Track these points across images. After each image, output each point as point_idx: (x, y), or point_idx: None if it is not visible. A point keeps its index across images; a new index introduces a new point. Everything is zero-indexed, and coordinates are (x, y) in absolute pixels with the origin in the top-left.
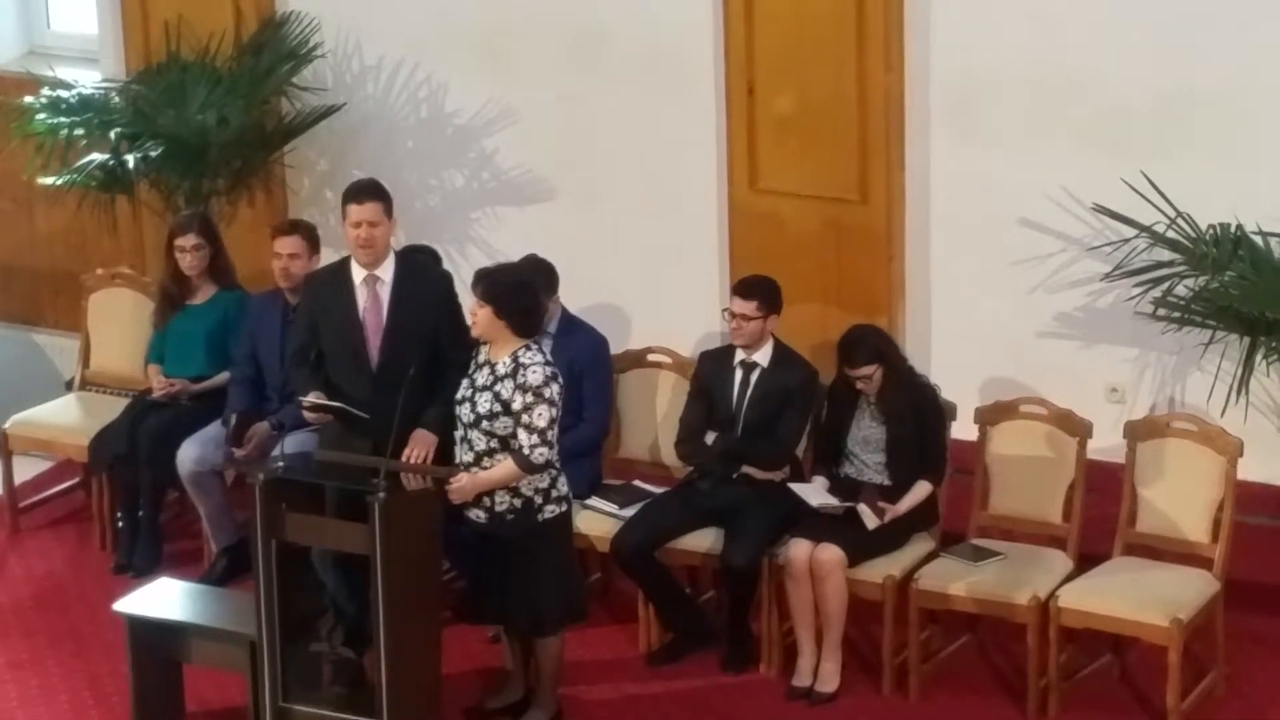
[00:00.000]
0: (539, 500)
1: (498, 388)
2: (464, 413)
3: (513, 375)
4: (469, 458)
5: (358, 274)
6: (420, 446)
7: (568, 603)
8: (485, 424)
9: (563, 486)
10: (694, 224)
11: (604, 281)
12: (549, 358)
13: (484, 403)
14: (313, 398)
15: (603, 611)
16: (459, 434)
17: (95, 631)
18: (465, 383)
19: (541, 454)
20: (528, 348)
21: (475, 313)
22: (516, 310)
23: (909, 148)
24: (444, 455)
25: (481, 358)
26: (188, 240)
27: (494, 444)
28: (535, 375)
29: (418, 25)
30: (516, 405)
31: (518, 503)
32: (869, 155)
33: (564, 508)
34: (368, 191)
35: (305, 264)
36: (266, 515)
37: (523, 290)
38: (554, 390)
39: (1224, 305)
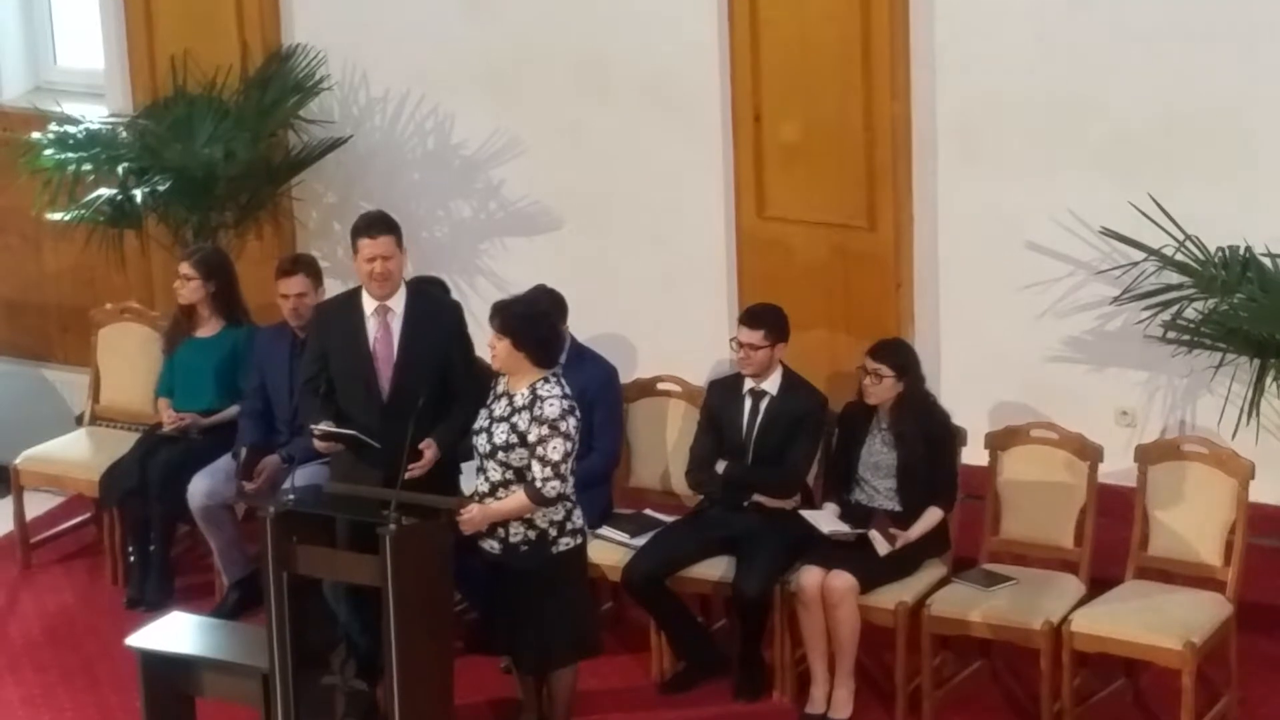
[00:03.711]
0: (554, 533)
1: (515, 419)
2: (481, 443)
3: (530, 407)
4: (484, 488)
5: (368, 305)
6: (427, 452)
7: (577, 638)
8: (501, 455)
9: (578, 519)
10: (702, 252)
11: (613, 311)
12: (568, 391)
13: (500, 433)
14: (324, 426)
15: (615, 641)
16: (475, 464)
17: (108, 666)
18: (483, 413)
19: (554, 487)
20: (546, 380)
21: (494, 345)
22: (535, 341)
23: (916, 174)
24: (446, 477)
25: (500, 388)
26: (181, 268)
27: (509, 475)
28: (552, 408)
29: (423, 57)
30: (532, 437)
31: (532, 534)
32: (876, 182)
33: (579, 540)
34: (378, 225)
35: (313, 299)
36: (277, 548)
37: (540, 321)
38: (570, 424)
39: (1234, 327)
